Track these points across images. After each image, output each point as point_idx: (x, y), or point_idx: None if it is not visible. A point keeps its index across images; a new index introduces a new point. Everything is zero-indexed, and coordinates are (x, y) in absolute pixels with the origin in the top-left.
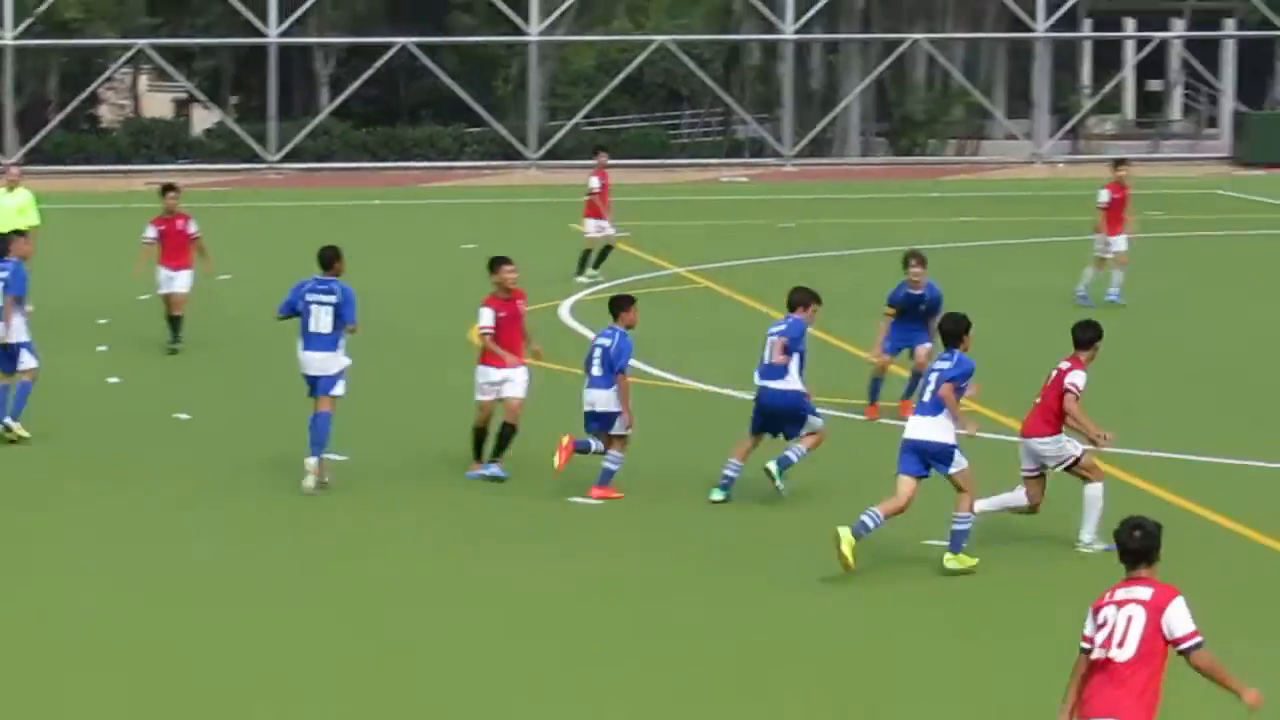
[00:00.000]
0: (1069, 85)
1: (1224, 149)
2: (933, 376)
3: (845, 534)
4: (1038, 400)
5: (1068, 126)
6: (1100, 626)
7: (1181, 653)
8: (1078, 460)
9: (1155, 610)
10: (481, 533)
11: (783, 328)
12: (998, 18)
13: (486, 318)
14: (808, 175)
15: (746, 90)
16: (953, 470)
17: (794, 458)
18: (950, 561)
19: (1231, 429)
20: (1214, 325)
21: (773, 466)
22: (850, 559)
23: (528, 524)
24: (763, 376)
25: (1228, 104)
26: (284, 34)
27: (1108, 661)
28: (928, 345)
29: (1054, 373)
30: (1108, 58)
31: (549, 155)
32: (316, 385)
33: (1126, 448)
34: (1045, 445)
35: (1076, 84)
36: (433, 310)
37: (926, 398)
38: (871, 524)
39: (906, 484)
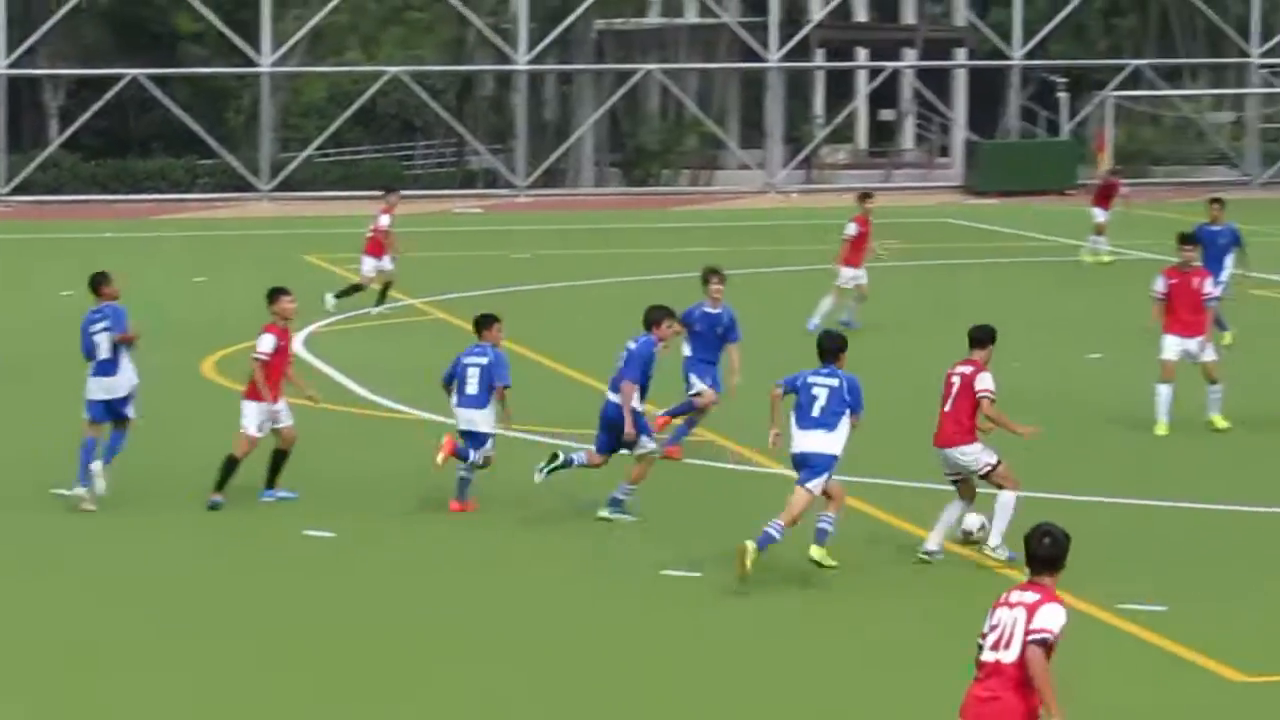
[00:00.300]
0: (802, 115)
1: (956, 178)
2: (822, 393)
3: (750, 547)
4: (945, 410)
5: (800, 156)
6: (994, 627)
7: (1027, 643)
8: (995, 467)
9: (1033, 612)
10: (227, 562)
11: (631, 346)
12: (730, 48)
13: (267, 344)
14: (541, 206)
15: (480, 121)
16: (824, 479)
17: (622, 495)
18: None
19: None
20: (943, 352)
21: (606, 513)
22: (748, 568)
23: (264, 553)
24: (610, 388)
25: (959, 133)
26: (12, 65)
27: (998, 664)
28: (716, 392)
29: (955, 380)
30: (840, 88)
31: (282, 187)
32: (107, 409)
33: (863, 475)
34: (965, 454)
35: (809, 114)
36: (164, 343)
37: (816, 413)
38: (776, 535)
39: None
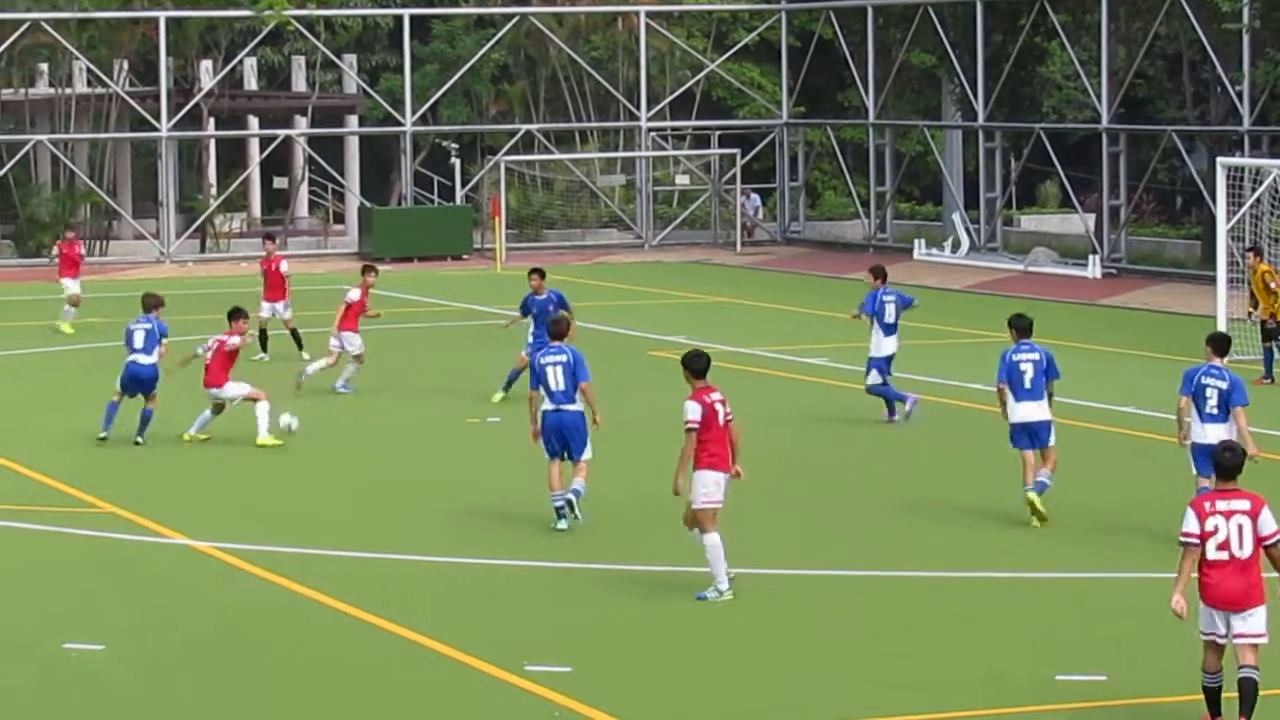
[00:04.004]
0: (195, 184)
1: (351, 245)
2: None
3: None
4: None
5: (195, 226)
6: (1210, 533)
7: (1268, 547)
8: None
9: (1255, 516)
10: None
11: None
12: (121, 117)
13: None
14: None
15: None
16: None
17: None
18: None
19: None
20: (359, 418)
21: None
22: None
23: None
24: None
25: (353, 200)
26: None
27: (1233, 559)
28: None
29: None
30: (233, 156)
31: None
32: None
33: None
34: None
35: (203, 183)
36: None
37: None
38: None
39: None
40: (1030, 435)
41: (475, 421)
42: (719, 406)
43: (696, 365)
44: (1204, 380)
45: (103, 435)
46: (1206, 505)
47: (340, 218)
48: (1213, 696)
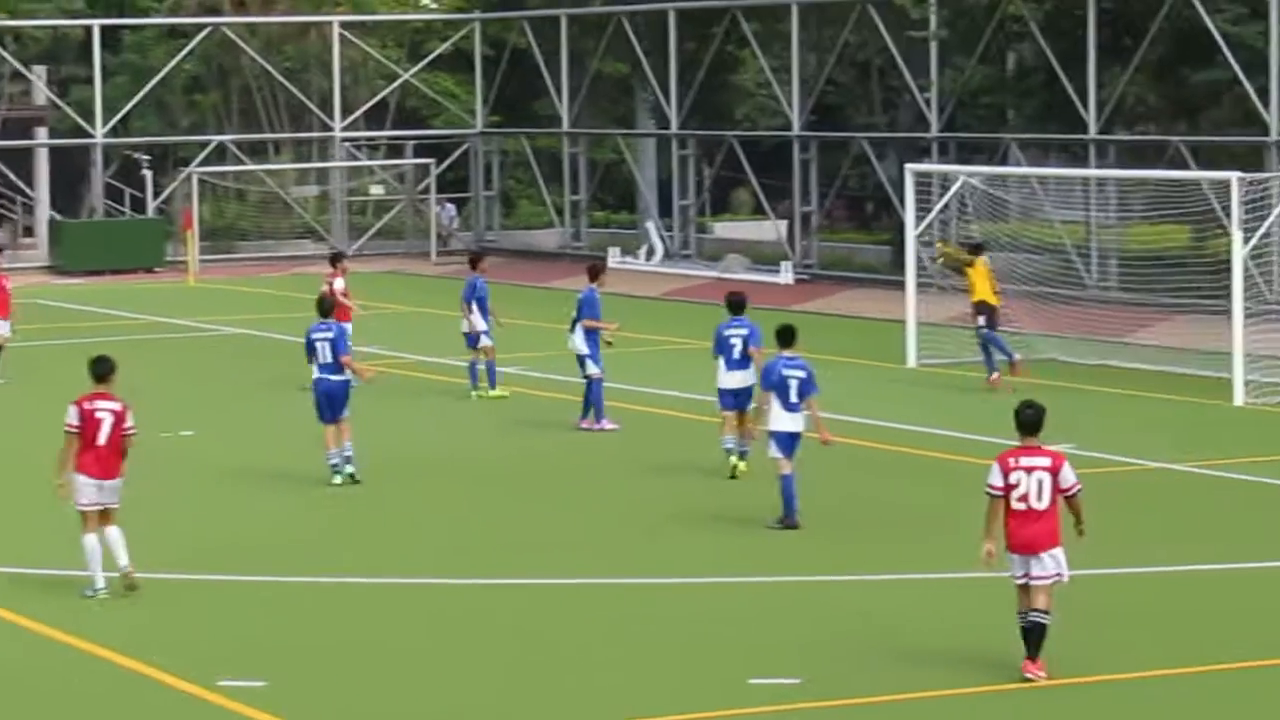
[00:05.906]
0: None
1: (42, 258)
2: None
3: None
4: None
5: None
6: (1012, 486)
7: (1067, 498)
8: None
9: (1054, 472)
10: None
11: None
12: None
13: None
14: None
15: None
16: None
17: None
18: None
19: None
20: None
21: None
22: None
23: None
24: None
25: (43, 213)
26: None
27: (1030, 511)
28: None
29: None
30: None
31: None
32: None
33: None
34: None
35: None
36: None
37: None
38: None
39: None
40: (735, 397)
41: (168, 435)
42: (104, 415)
43: (93, 370)
44: (785, 372)
45: None
46: (1011, 461)
47: (30, 231)
48: None
